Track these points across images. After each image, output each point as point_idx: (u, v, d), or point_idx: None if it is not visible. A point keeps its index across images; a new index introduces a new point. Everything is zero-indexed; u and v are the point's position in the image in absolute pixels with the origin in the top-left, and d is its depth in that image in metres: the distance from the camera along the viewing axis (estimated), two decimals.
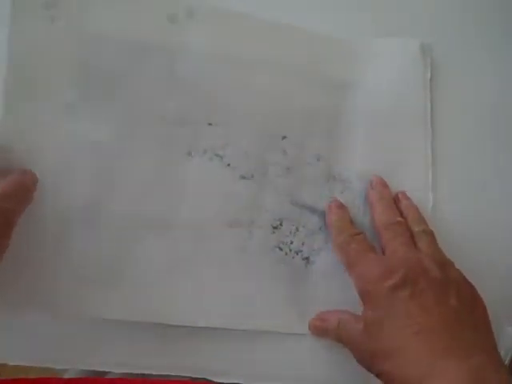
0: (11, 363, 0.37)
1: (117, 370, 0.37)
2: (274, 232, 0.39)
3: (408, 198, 0.40)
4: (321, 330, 0.37)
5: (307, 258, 0.39)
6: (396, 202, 0.39)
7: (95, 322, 0.37)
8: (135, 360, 0.37)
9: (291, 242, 0.39)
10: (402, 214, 0.38)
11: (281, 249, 0.39)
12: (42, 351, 0.37)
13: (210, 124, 0.38)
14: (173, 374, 0.37)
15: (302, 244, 0.39)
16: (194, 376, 0.37)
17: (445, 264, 0.35)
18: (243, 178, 0.38)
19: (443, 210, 0.42)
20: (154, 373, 0.37)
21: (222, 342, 0.38)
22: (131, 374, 0.37)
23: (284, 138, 0.39)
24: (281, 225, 0.39)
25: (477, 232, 0.42)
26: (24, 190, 0.34)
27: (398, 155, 0.41)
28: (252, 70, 0.39)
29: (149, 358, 0.37)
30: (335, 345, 0.37)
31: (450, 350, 0.30)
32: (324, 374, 0.38)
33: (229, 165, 0.38)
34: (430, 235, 0.37)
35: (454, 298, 0.32)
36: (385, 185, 0.39)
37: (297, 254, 0.39)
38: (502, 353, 0.40)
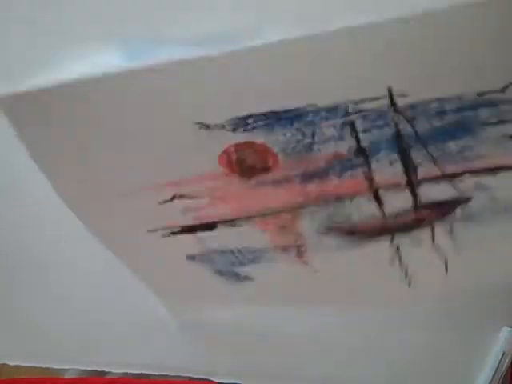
0: (11, 363, 0.37)
1: (117, 369, 0.37)
2: None
3: None
4: None
5: None
6: None
7: (95, 322, 0.37)
8: (135, 360, 0.37)
9: None
10: None
11: None
12: (42, 351, 0.37)
13: None
14: (172, 374, 0.37)
15: None
16: (193, 376, 0.37)
17: None
18: None
19: None
20: (154, 373, 0.37)
21: (222, 342, 0.38)
22: (131, 373, 0.37)
23: None
24: None
25: None
26: None
27: None
28: None
29: (149, 357, 0.37)
30: (335, 345, 0.37)
31: None
32: (323, 373, 0.38)
33: None
34: None
35: None
36: None
37: None
38: (499, 353, 0.40)
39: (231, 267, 0.33)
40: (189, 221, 0.31)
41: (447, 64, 0.25)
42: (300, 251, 0.32)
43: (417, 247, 0.32)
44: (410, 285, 0.33)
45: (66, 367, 0.38)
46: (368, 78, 0.25)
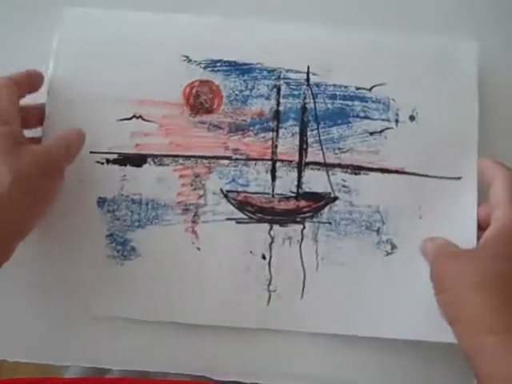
0: (10, 360, 0.37)
1: (116, 366, 0.37)
2: None
3: None
4: None
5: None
6: None
7: (94, 318, 0.37)
8: (135, 357, 0.37)
9: None
10: None
11: None
12: (41, 348, 0.37)
13: None
14: (172, 371, 0.37)
15: None
16: (193, 373, 0.37)
17: None
18: None
19: None
20: (154, 370, 0.37)
21: (222, 340, 0.37)
22: (131, 371, 0.37)
23: None
24: None
25: None
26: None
27: None
28: None
29: (148, 354, 0.37)
30: (335, 343, 0.37)
31: None
32: (324, 372, 0.38)
33: None
34: None
35: None
36: None
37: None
38: None
39: (126, 229, 0.37)
40: (131, 148, 0.37)
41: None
42: (197, 214, 0.37)
43: (286, 248, 0.38)
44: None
45: (65, 364, 0.37)
46: (298, 58, 0.39)
